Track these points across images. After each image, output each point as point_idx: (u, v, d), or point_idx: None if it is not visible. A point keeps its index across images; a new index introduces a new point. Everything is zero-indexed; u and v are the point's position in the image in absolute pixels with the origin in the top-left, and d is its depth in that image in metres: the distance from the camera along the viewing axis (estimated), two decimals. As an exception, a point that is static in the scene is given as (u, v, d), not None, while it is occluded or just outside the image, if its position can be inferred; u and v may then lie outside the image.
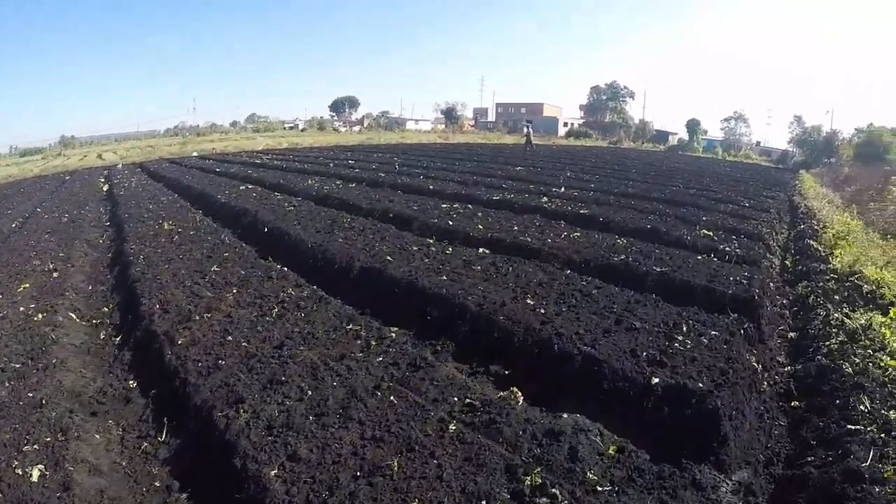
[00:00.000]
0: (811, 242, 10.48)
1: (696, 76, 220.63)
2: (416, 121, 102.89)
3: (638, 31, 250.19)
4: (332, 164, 25.66)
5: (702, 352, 4.92)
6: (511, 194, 14.60)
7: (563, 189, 15.78)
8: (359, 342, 5.47)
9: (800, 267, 9.47)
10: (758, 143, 70.26)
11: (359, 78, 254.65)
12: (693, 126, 61.05)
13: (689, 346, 5.00)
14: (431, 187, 15.74)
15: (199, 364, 5.35)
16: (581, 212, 11.91)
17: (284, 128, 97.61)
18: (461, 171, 21.23)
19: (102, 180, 24.71)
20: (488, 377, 5.06)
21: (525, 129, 41.60)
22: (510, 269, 7.27)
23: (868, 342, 5.79)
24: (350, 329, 5.76)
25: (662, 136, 71.51)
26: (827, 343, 5.98)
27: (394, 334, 5.61)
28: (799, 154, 51.58)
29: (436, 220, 10.70)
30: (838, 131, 50.27)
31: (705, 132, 66.31)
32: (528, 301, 5.99)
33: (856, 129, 51.49)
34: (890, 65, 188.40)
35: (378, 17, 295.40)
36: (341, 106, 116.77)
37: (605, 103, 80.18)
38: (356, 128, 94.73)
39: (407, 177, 19.11)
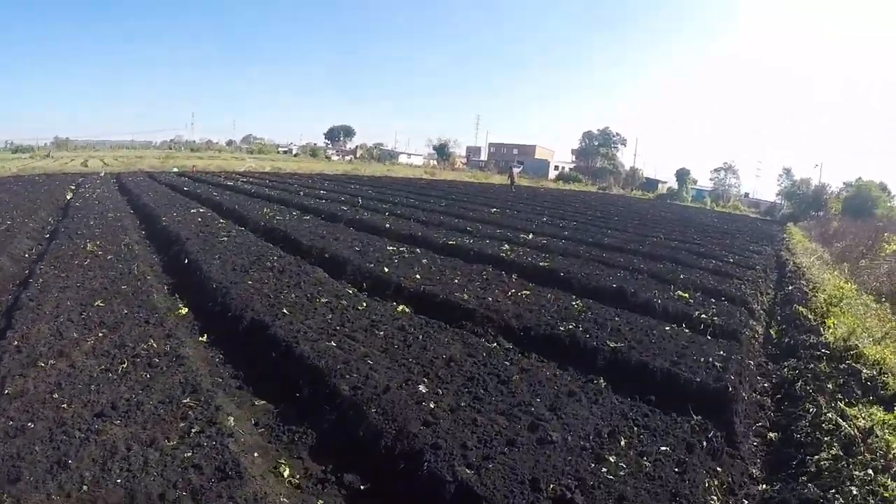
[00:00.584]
0: (800, 309, 9.08)
1: (688, 125, 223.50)
2: (409, 154, 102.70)
3: (635, 78, 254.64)
4: (301, 193, 24.30)
5: (639, 484, 3.47)
6: (471, 239, 13.20)
7: (530, 236, 14.41)
8: (183, 424, 4.00)
9: (787, 339, 8.06)
10: (746, 195, 69.94)
11: (356, 108, 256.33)
12: (682, 175, 60.51)
13: (622, 474, 3.53)
14: (388, 226, 14.32)
15: (11, 424, 4.03)
16: (541, 264, 10.47)
17: (278, 151, 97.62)
18: (430, 210, 19.88)
19: (72, 188, 23.35)
20: (340, 490, 3.64)
21: (510, 170, 40.85)
22: (420, 336, 5.82)
23: (869, 457, 4.47)
24: (185, 403, 4.29)
25: (652, 184, 71.03)
26: (816, 457, 4.58)
27: (245, 413, 4.30)
28: (787, 207, 51.24)
29: (371, 266, 9.23)
30: (827, 185, 49.87)
31: (695, 182, 65.89)
32: (422, 388, 4.51)
33: (844, 183, 51.26)
34: (879, 119, 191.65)
35: (377, 50, 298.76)
36: (337, 134, 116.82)
37: (596, 149, 79.90)
38: (348, 157, 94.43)
39: (369, 212, 17.73)
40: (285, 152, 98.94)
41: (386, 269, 8.93)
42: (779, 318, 9.30)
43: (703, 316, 7.66)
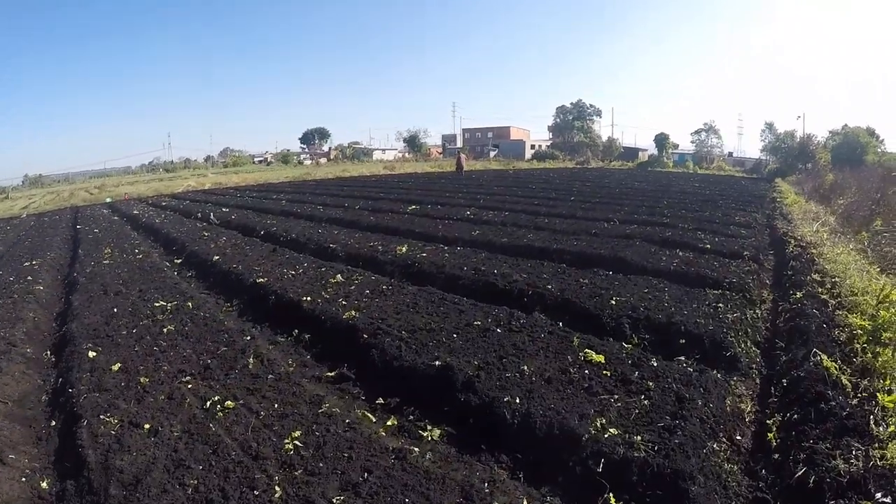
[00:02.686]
0: (825, 364, 4.58)
1: (665, 91, 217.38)
2: (384, 150, 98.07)
3: (608, 47, 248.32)
4: (198, 213, 19.71)
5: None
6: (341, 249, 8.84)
7: (403, 249, 10.02)
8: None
9: (808, 440, 3.68)
10: (730, 154, 65.45)
11: (332, 109, 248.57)
12: (661, 140, 55.86)
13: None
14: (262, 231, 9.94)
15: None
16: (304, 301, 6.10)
17: (253, 162, 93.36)
18: (336, 206, 15.53)
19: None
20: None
21: (458, 156, 36.43)
22: None
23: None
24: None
25: (632, 153, 66.45)
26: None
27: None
28: (773, 162, 47.47)
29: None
30: (812, 135, 45.53)
31: (676, 146, 61.31)
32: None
33: (830, 132, 47.38)
34: (859, 65, 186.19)
35: (349, 48, 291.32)
36: (311, 138, 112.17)
37: (571, 123, 74.94)
38: (322, 160, 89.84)
39: (259, 214, 13.33)
40: (260, 162, 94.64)
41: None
42: (786, 384, 4.81)
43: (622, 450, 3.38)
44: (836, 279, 7.45)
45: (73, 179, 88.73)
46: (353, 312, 6.29)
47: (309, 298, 7.04)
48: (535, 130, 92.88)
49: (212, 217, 16.58)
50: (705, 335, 5.42)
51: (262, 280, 8.18)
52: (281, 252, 10.57)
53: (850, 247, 10.30)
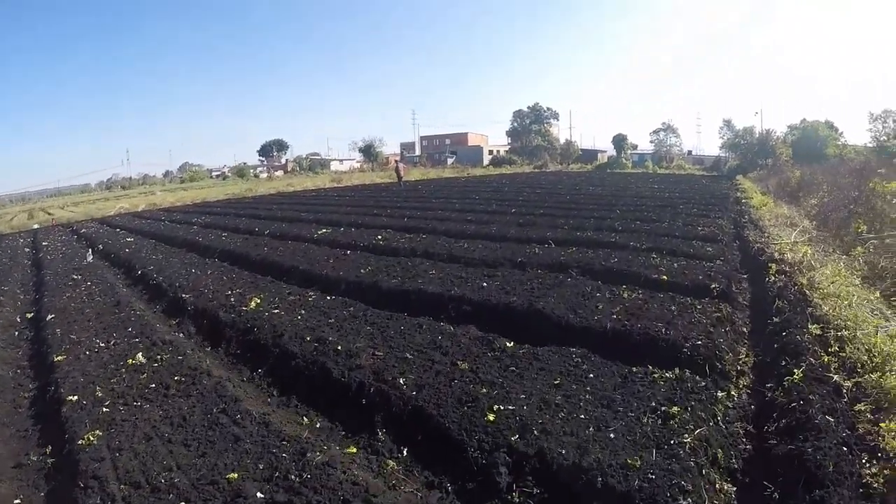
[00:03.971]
0: None
1: (622, 91, 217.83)
2: (341, 160, 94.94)
3: (563, 52, 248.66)
4: (100, 245, 16.58)
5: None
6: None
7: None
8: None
9: None
10: (689, 153, 63.97)
11: (292, 121, 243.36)
12: (619, 141, 53.72)
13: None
14: None
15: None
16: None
17: (210, 177, 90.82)
18: (246, 232, 13.07)
19: None
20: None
21: (396, 166, 33.97)
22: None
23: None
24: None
25: (590, 155, 64.52)
26: None
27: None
28: (733, 158, 45.77)
29: None
30: (772, 130, 43.98)
31: (635, 147, 59.48)
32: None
33: (789, 127, 45.86)
34: (815, 59, 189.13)
35: (308, 57, 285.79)
36: (269, 150, 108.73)
37: (529, 127, 72.83)
38: (279, 172, 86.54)
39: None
40: (217, 176, 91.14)
41: None
42: None
43: None
44: (845, 332, 4.93)
45: (29, 199, 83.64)
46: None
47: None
48: (493, 136, 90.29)
49: (88, 257, 13.69)
50: (639, 497, 2.79)
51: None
52: (128, 305, 7.99)
53: (841, 265, 7.86)
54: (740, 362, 5.01)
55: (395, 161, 45.03)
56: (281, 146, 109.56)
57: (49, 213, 37.51)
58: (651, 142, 63.54)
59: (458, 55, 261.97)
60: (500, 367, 4.54)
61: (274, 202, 28.60)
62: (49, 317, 7.71)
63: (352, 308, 6.61)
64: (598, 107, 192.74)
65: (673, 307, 5.85)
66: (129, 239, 16.68)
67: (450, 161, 74.01)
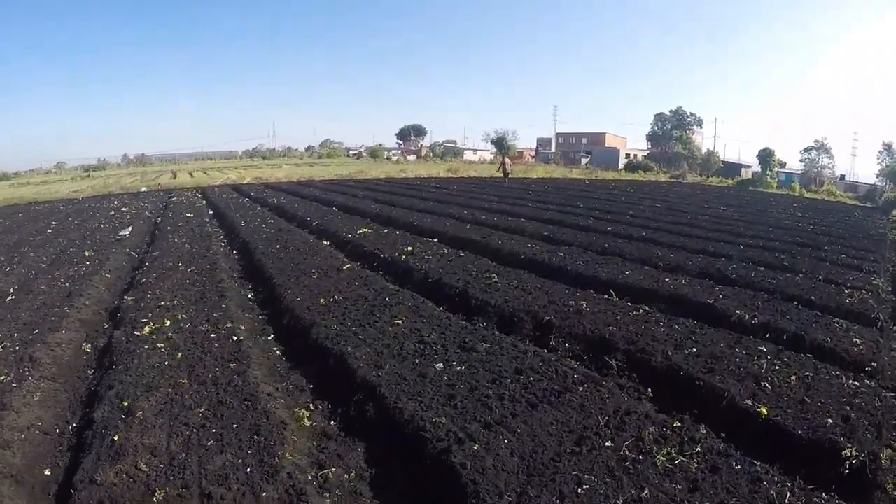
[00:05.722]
0: None
1: (774, 103, 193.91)
2: (475, 150, 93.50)
3: (713, 53, 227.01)
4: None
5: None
6: None
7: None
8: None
9: None
10: (842, 177, 53.99)
11: (432, 106, 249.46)
12: (766, 157, 46.18)
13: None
14: None
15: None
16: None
17: (347, 155, 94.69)
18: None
19: None
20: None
21: (503, 161, 31.00)
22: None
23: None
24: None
25: (733, 168, 56.76)
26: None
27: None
28: (890, 189, 38.04)
29: None
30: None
31: (783, 164, 51.28)
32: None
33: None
34: None
35: (453, 48, 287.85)
36: (408, 134, 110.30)
37: (669, 132, 65.94)
38: (412, 157, 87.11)
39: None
40: (353, 154, 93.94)
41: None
42: None
43: None
44: None
45: (178, 160, 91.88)
46: None
47: None
48: (632, 138, 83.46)
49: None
50: None
51: None
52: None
53: None
54: None
55: (504, 155, 42.77)
56: (419, 131, 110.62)
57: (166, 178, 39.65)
58: (801, 161, 54.44)
59: (602, 52, 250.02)
60: None
61: (366, 188, 27.35)
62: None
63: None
64: (746, 116, 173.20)
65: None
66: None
67: (584, 161, 69.52)
